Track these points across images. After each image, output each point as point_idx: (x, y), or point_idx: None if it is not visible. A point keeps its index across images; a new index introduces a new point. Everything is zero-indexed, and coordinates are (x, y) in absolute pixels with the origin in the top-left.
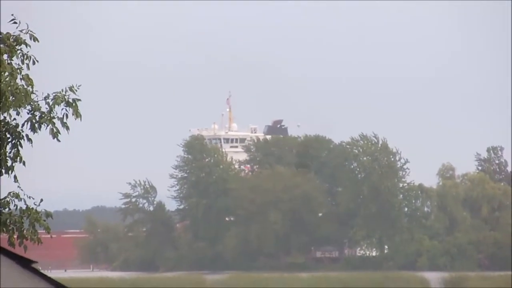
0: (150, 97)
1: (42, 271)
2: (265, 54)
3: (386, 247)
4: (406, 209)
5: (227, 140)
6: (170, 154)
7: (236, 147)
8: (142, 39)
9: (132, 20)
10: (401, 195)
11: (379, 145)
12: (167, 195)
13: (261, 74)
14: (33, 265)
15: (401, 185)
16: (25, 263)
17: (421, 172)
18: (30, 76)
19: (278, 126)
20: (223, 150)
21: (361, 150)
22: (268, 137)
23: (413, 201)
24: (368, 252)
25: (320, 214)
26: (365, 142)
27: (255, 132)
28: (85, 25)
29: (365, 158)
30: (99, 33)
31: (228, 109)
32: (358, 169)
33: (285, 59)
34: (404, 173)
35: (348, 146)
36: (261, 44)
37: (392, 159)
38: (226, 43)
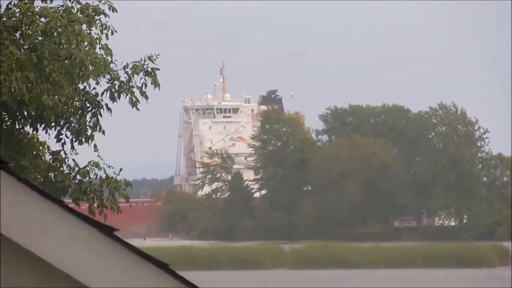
0: None
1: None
2: (260, 24)
3: (465, 217)
4: (485, 178)
5: (220, 110)
6: (168, 123)
7: (229, 117)
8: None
9: None
10: (480, 165)
11: (458, 115)
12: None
13: (254, 44)
14: (115, 233)
15: (479, 154)
16: (108, 231)
17: (500, 141)
18: (109, 46)
19: (273, 96)
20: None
21: (439, 119)
22: (345, 106)
23: (492, 170)
24: (446, 222)
25: (397, 184)
26: (444, 111)
27: (249, 102)
28: None
29: (443, 128)
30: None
31: (221, 79)
32: (436, 139)
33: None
34: (483, 142)
35: (426, 116)
36: (255, 13)
37: (471, 128)
38: (218, 12)
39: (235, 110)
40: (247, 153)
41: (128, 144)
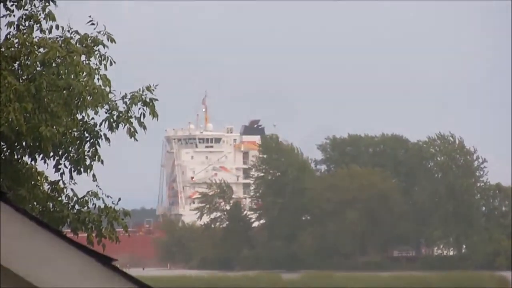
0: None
1: (121, 269)
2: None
3: (464, 246)
4: (483, 208)
5: (202, 140)
6: (151, 154)
7: (212, 147)
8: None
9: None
10: (478, 195)
11: (456, 145)
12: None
13: (238, 74)
14: (113, 263)
15: (478, 184)
16: (105, 261)
17: (499, 171)
18: (108, 77)
19: (255, 126)
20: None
21: (438, 149)
22: (344, 136)
23: (491, 200)
24: (445, 252)
25: (396, 213)
26: (442, 141)
27: (231, 132)
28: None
29: (442, 158)
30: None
31: (204, 109)
32: (435, 169)
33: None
34: (481, 172)
35: (425, 146)
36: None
37: (469, 158)
38: (202, 43)
39: (217, 140)
40: (229, 183)
41: (126, 172)
